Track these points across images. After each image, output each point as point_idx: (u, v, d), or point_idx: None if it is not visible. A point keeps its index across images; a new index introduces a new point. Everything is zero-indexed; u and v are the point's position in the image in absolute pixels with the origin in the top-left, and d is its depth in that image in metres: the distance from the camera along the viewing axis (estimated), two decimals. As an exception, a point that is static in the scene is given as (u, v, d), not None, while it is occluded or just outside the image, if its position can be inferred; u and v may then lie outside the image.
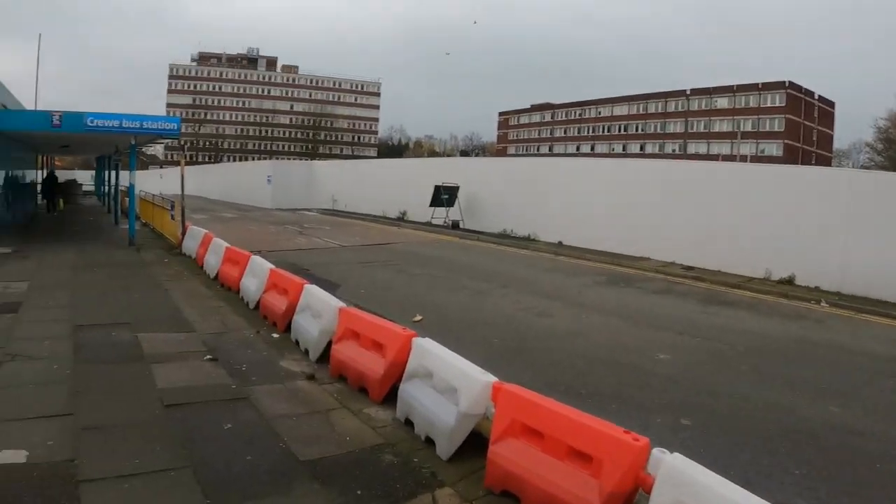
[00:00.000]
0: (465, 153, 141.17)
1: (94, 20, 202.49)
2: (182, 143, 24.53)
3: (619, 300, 15.22)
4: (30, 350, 9.03)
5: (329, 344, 8.77)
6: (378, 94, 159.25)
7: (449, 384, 6.27)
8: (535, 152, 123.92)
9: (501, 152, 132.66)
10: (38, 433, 6.18)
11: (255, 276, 12.58)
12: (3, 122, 18.90)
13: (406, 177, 37.19)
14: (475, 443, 5.98)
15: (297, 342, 9.91)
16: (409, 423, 6.77)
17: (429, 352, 6.83)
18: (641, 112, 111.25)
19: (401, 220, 34.52)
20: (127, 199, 27.94)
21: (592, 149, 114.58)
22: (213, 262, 15.66)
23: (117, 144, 27.46)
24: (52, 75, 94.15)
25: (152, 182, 47.35)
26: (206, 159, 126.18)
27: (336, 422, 6.95)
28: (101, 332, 10.25)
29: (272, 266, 12.28)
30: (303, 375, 8.45)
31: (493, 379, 5.96)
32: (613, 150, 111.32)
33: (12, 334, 9.88)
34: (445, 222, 30.47)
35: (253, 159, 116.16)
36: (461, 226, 30.19)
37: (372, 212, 37.80)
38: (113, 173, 35.21)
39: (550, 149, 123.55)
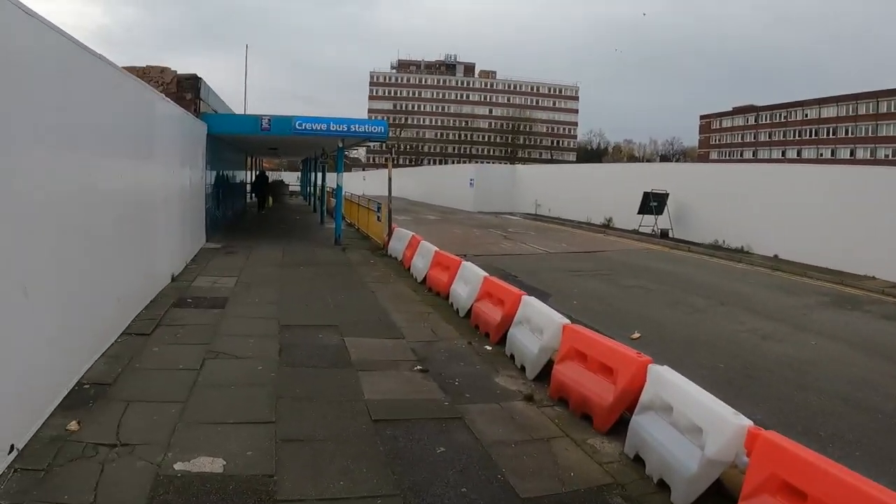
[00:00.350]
0: (665, 158, 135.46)
1: (295, 32, 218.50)
2: (389, 146, 23.77)
3: (849, 325, 13.03)
4: (234, 348, 8.67)
5: (549, 362, 7.97)
6: (576, 98, 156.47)
7: (692, 423, 5.40)
8: (739, 157, 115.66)
9: (703, 157, 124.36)
10: (238, 440, 5.80)
11: (467, 282, 11.75)
12: (216, 126, 19.24)
13: (612, 182, 35.31)
14: (718, 494, 5.15)
15: (511, 357, 8.94)
16: (638, 459, 5.91)
17: (668, 382, 5.94)
18: (851, 114, 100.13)
19: (606, 226, 32.65)
20: (333, 199, 28.17)
21: (798, 154, 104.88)
22: (420, 266, 14.97)
23: (324, 147, 27.63)
24: (256, 83, 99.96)
25: (355, 183, 48.41)
26: (407, 162, 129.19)
27: (558, 453, 6.10)
28: (307, 333, 9.74)
29: (485, 274, 11.35)
30: (520, 395, 7.57)
31: (747, 423, 5.03)
32: (821, 155, 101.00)
33: (218, 330, 9.61)
34: (654, 231, 28.61)
35: (453, 163, 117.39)
36: (670, 235, 28.11)
37: (576, 217, 36.23)
38: (318, 175, 35.79)
39: (754, 154, 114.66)
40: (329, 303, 11.98)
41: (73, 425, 5.87)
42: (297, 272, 15.32)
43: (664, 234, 28.14)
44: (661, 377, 6.00)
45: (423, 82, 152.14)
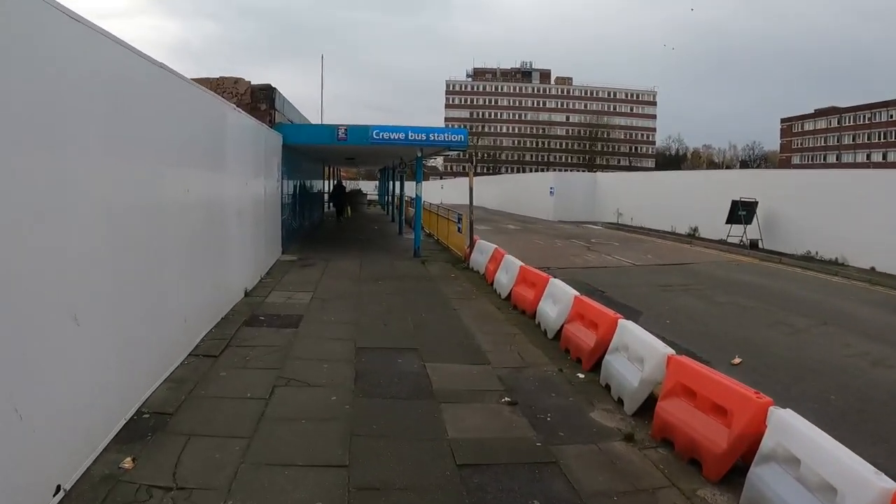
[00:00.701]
0: (744, 163, 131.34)
1: (370, 43, 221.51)
2: (469, 154, 23.09)
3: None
4: (307, 374, 8.05)
5: (650, 396, 7.24)
6: (654, 104, 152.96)
7: (823, 481, 4.61)
8: (822, 162, 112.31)
9: (785, 162, 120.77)
10: (306, 488, 5.22)
11: (556, 301, 10.84)
12: (291, 136, 18.90)
13: (696, 190, 33.87)
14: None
15: (607, 387, 8.07)
16: (758, 518, 5.08)
17: (794, 430, 5.12)
18: None
19: (692, 236, 31.29)
20: (411, 209, 27.64)
21: (884, 157, 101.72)
22: (504, 281, 14.13)
23: (401, 156, 27.13)
24: (331, 93, 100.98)
25: (433, 192, 47.93)
26: (484, 171, 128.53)
27: (666, 508, 5.25)
28: (385, 357, 9.07)
29: (576, 292, 10.46)
30: (619, 434, 6.73)
31: (893, 486, 4.14)
32: None
33: (290, 353, 9.02)
34: (742, 241, 27.06)
35: (530, 171, 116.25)
36: (760, 245, 26.54)
37: (660, 227, 34.81)
38: (396, 184, 35.37)
39: (838, 158, 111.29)
40: (409, 322, 11.30)
41: (127, 462, 5.39)
42: (376, 287, 14.72)
43: (753, 245, 26.55)
44: (786, 424, 5.20)
45: (499, 90, 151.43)
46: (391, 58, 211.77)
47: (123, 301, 6.25)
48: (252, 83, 19.09)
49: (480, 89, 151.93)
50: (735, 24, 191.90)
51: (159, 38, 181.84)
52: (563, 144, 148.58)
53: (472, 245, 18.47)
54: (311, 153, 24.43)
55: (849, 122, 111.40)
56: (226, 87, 18.84)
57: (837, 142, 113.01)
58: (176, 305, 8.17)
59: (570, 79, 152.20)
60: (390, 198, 47.26)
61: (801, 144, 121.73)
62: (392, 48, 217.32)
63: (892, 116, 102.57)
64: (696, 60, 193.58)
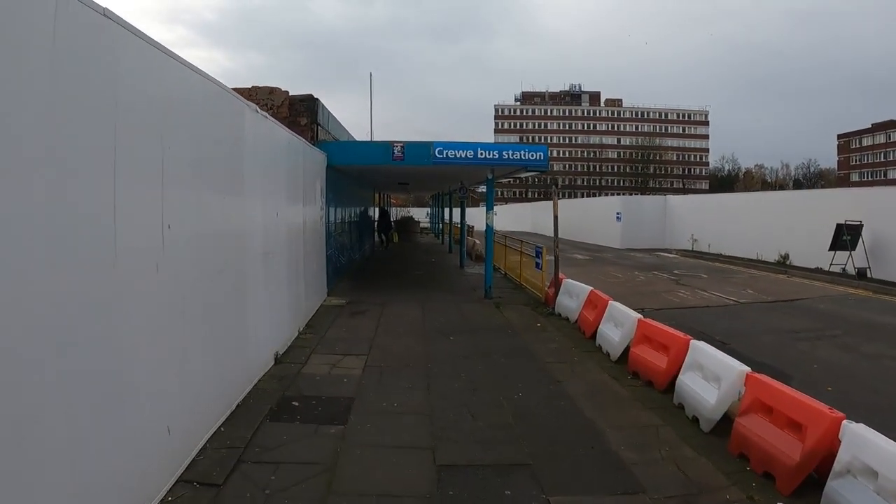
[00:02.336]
0: (798, 183, 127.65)
1: (414, 70, 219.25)
2: (551, 178, 19.04)
3: None
4: None
5: None
6: (706, 123, 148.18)
7: None
8: (883, 178, 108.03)
9: (843, 179, 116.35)
10: None
11: (709, 376, 7.66)
12: (337, 155, 15.98)
13: (785, 213, 30.53)
14: None
15: None
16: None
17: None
18: None
19: (782, 264, 28.18)
20: (471, 238, 24.57)
21: None
22: (613, 338, 10.82)
23: (462, 180, 23.96)
24: (377, 119, 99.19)
25: (483, 218, 44.63)
26: (536, 196, 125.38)
27: None
28: (484, 486, 5.79)
29: (747, 368, 7.22)
30: None
31: None
32: None
33: (335, 477, 5.81)
34: (844, 269, 23.99)
35: (582, 195, 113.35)
36: (868, 274, 23.19)
37: (743, 254, 31.85)
38: (450, 210, 32.31)
39: None
40: (504, 409, 7.91)
41: None
42: (447, 345, 11.45)
43: (861, 274, 23.13)
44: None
45: (549, 113, 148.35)
46: (438, 84, 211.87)
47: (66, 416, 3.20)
48: (290, 94, 16.08)
49: (529, 113, 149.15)
50: (782, 40, 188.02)
51: (207, 69, 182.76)
52: (615, 168, 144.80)
53: (556, 285, 15.22)
54: (360, 176, 21.23)
55: None
56: (258, 98, 15.87)
57: None
58: (152, 410, 5.03)
59: (620, 100, 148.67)
60: (443, 225, 44.51)
61: (860, 161, 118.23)
62: (438, 75, 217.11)
63: None
64: (745, 79, 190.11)
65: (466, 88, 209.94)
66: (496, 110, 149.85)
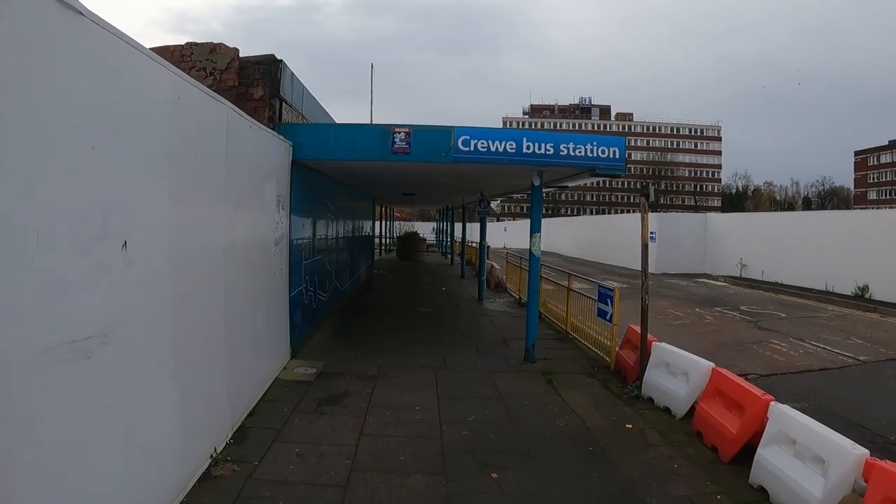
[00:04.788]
0: (808, 202, 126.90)
1: (420, 83, 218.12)
2: (643, 186, 12.95)
3: None
4: None
5: None
6: (719, 139, 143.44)
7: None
8: None
9: (861, 198, 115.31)
10: None
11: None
12: (309, 144, 10.56)
13: (863, 235, 25.62)
14: None
15: None
16: None
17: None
18: None
19: (862, 298, 23.70)
20: (496, 266, 19.36)
21: None
22: (807, 491, 6.02)
23: (483, 189, 18.56)
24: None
25: (495, 236, 39.55)
26: (547, 212, 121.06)
27: None
28: None
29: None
30: None
31: None
32: None
33: None
34: None
35: (591, 212, 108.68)
36: None
37: (807, 283, 27.04)
38: (468, 227, 26.64)
39: None
40: None
41: None
42: (486, 484, 6.28)
43: None
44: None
45: (558, 127, 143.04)
46: (444, 99, 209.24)
47: None
48: (241, 53, 10.67)
49: (538, 126, 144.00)
50: (794, 57, 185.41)
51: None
52: (626, 184, 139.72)
53: (643, 348, 10.03)
54: (346, 177, 15.53)
55: None
56: (194, 59, 10.57)
57: None
58: None
59: (631, 114, 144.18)
60: (451, 241, 39.57)
61: (878, 178, 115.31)
62: (445, 89, 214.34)
63: None
64: (758, 95, 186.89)
65: (473, 103, 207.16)
66: (503, 123, 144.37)
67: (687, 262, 34.88)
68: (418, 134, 10.13)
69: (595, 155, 10.65)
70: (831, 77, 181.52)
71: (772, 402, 6.81)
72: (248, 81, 10.52)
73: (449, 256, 40.00)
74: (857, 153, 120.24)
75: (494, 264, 24.67)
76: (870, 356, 13.78)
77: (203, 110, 6.08)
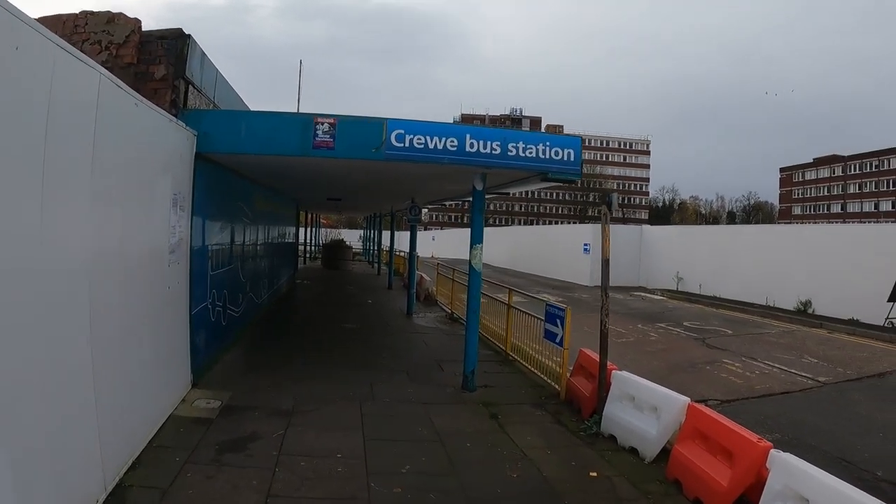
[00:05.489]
0: (733, 216, 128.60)
1: (354, 89, 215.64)
2: (607, 199, 10.86)
3: None
4: None
5: None
6: (647, 153, 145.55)
7: None
8: (826, 212, 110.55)
9: (786, 213, 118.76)
10: None
11: None
12: (217, 135, 8.85)
13: (804, 250, 25.33)
14: None
15: None
16: None
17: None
18: None
19: (805, 313, 23.44)
20: (426, 278, 18.01)
21: (894, 206, 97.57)
22: None
23: (414, 196, 17.20)
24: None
25: (423, 245, 38.23)
26: (465, 221, 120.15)
27: None
28: None
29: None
30: None
31: None
32: None
33: None
34: (891, 324, 19.91)
35: (520, 222, 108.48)
36: None
37: (747, 297, 26.50)
38: (402, 235, 25.15)
39: (843, 207, 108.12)
40: None
41: None
42: None
43: None
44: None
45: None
46: (375, 105, 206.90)
47: None
48: (143, 27, 9.03)
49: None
50: (720, 77, 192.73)
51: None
52: (554, 195, 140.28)
53: (602, 377, 8.72)
54: (265, 177, 13.76)
55: (854, 171, 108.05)
56: (89, 30, 8.93)
57: (843, 191, 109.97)
58: None
59: (562, 126, 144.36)
60: (378, 250, 38.08)
61: (803, 194, 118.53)
62: (375, 96, 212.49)
63: None
64: (686, 111, 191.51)
65: (405, 111, 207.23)
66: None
67: (622, 275, 33.88)
68: (345, 126, 8.66)
69: (547, 157, 9.39)
70: (757, 96, 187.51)
71: (772, 450, 5.80)
72: (150, 59, 8.90)
73: (376, 266, 38.38)
74: (782, 170, 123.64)
75: (424, 275, 23.26)
76: (829, 377, 13.21)
77: (60, 73, 4.50)
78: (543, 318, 10.70)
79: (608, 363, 8.74)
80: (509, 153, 9.17)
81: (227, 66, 11.89)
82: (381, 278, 31.10)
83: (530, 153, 9.27)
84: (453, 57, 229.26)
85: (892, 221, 77.43)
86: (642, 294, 30.54)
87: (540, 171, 9.51)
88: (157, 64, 8.85)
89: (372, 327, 16.20)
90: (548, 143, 9.41)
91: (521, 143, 9.25)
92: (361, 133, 8.70)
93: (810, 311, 23.41)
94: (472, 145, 8.99)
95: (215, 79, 10.56)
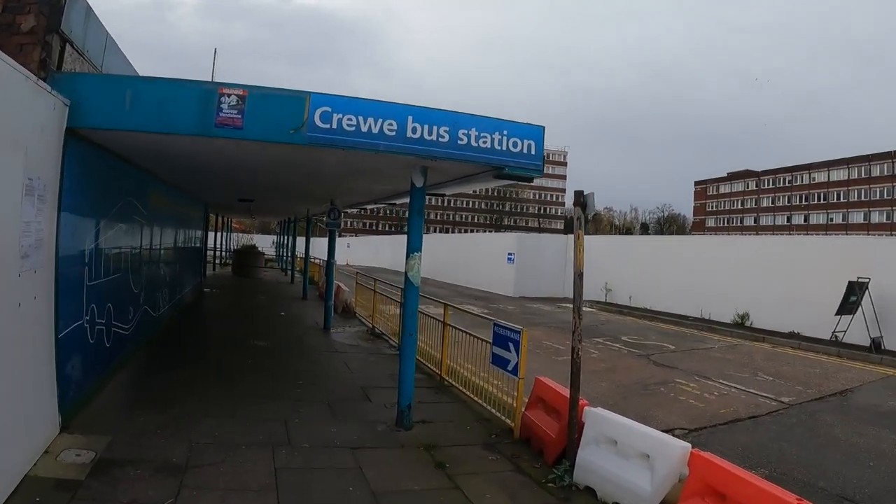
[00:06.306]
0: (646, 227, 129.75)
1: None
2: (582, 204, 8.72)
3: None
4: None
5: None
6: (564, 164, 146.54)
7: None
8: (739, 224, 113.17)
9: (700, 225, 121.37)
10: None
11: None
12: (98, 106, 6.82)
13: (739, 261, 24.75)
14: None
15: None
16: None
17: None
18: (864, 176, 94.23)
19: (743, 326, 22.83)
20: (343, 289, 16.52)
21: (806, 220, 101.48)
22: None
23: (334, 198, 15.56)
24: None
25: (336, 252, 36.54)
26: (388, 228, 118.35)
27: None
28: None
29: None
30: None
31: None
32: (832, 220, 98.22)
33: None
34: (836, 337, 19.00)
35: (435, 230, 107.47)
36: (882, 345, 18.06)
37: (680, 310, 25.76)
38: (320, 242, 23.24)
39: (756, 221, 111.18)
40: None
41: None
42: None
43: (877, 346, 17.95)
44: None
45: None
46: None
47: None
48: None
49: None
50: (634, 92, 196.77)
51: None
52: (470, 203, 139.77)
53: (573, 415, 7.23)
54: (160, 167, 11.19)
55: (767, 185, 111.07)
56: None
57: (756, 204, 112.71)
58: None
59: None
60: (292, 257, 36.13)
61: (717, 207, 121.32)
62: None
63: (813, 179, 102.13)
64: (602, 125, 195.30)
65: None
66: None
67: (547, 285, 33.25)
68: (258, 101, 6.84)
69: (504, 148, 7.84)
70: (672, 112, 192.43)
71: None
72: (17, 7, 6.93)
73: (289, 273, 36.26)
74: (696, 183, 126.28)
75: (342, 285, 21.46)
76: (791, 396, 12.45)
77: None
78: (491, 339, 9.16)
79: (583, 402, 7.29)
80: (459, 142, 7.56)
81: (145, 68, 10.06)
82: (295, 287, 29.11)
83: (484, 143, 7.70)
84: (369, 62, 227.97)
85: (824, 234, 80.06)
86: (570, 306, 29.44)
87: (495, 166, 7.94)
88: (26, 13, 6.90)
89: (286, 345, 14.21)
90: (505, 132, 7.83)
91: (473, 129, 7.64)
92: (278, 110, 6.92)
93: (748, 323, 22.84)
94: (414, 130, 7.33)
95: (105, 44, 8.63)
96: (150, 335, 12.79)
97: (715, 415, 10.68)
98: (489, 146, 7.74)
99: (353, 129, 7.08)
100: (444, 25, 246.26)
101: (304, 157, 8.50)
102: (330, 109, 7.02)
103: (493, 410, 9.22)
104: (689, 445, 6.00)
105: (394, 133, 7.25)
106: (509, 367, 8.50)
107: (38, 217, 6.01)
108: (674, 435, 7.40)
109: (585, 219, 7.56)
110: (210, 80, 8.57)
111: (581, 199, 7.48)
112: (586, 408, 7.21)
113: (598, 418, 6.94)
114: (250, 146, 7.47)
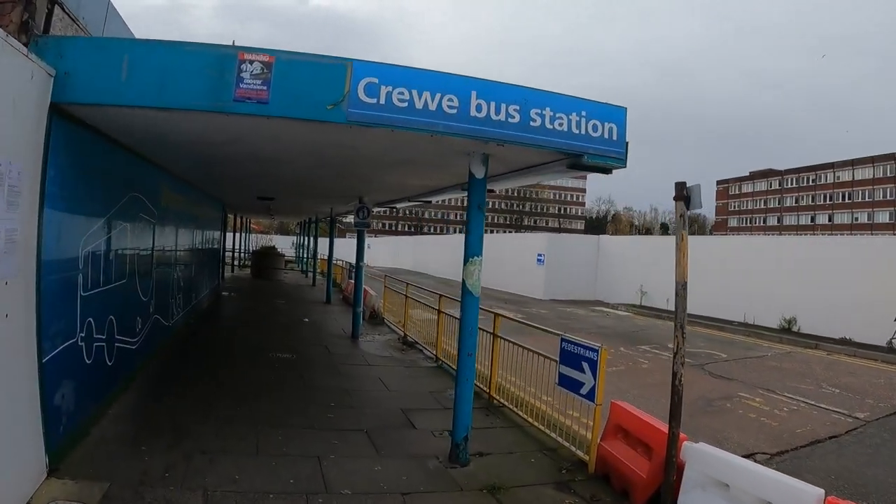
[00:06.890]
0: (665, 227, 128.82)
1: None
2: (685, 186, 7.40)
3: None
4: None
5: None
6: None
7: None
8: (762, 224, 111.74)
9: (721, 225, 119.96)
10: None
11: None
12: (90, 75, 5.35)
13: (787, 262, 23.55)
14: None
15: None
16: None
17: None
18: (891, 175, 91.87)
19: (790, 331, 21.70)
20: (372, 292, 15.45)
21: (830, 220, 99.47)
22: None
23: (364, 195, 14.25)
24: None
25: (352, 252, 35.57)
26: (407, 229, 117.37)
27: None
28: None
29: None
30: None
31: None
32: (857, 219, 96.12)
33: None
34: (892, 345, 18.17)
35: (456, 231, 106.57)
36: None
37: (719, 313, 24.65)
38: (341, 241, 22.15)
39: (779, 220, 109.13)
40: None
41: None
42: None
43: None
44: None
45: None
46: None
47: None
48: None
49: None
50: (654, 91, 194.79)
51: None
52: (491, 204, 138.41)
53: (670, 453, 5.94)
54: (168, 156, 9.74)
55: (791, 185, 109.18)
56: None
57: (779, 204, 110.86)
58: None
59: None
60: (314, 259, 35.07)
61: (739, 207, 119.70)
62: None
63: (838, 178, 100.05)
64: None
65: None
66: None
67: (579, 288, 32.04)
68: (287, 68, 5.48)
69: (583, 132, 6.51)
70: (693, 111, 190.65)
71: None
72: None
73: (310, 275, 35.07)
74: (719, 182, 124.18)
75: (369, 289, 20.16)
76: (865, 412, 11.44)
77: None
78: (544, 351, 7.83)
79: (682, 435, 5.95)
80: (532, 123, 6.22)
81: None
82: (317, 290, 27.84)
83: (560, 125, 6.36)
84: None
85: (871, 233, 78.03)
86: (605, 310, 28.20)
87: (573, 153, 6.58)
88: (-1, -31, 5.66)
89: (311, 359, 12.73)
90: (584, 114, 6.48)
91: (548, 109, 6.30)
92: (312, 80, 5.55)
93: (795, 328, 21.76)
94: (479, 108, 6.00)
95: (106, 13, 7.37)
96: (162, 346, 11.52)
97: (793, 435, 9.70)
98: (566, 129, 6.41)
99: (406, 105, 5.74)
100: (457, 26, 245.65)
101: (339, 142, 7.09)
102: (377, 80, 5.67)
103: (559, 438, 7.88)
104: (823, 492, 4.65)
105: (455, 111, 5.92)
106: (583, 391, 7.16)
107: (10, 213, 4.70)
108: (755, 460, 6.77)
109: (686, 217, 6.20)
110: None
111: (684, 192, 6.14)
112: (686, 443, 5.89)
113: (703, 456, 5.63)
114: (273, 128, 6.11)
